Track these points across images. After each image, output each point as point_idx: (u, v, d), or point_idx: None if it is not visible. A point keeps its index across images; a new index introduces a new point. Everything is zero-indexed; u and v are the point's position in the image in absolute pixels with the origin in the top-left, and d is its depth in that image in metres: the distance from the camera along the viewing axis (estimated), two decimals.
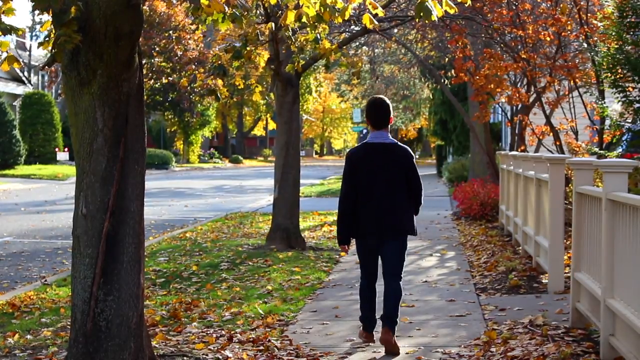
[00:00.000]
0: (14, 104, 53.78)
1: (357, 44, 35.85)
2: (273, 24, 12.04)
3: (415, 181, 8.25)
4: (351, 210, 8.27)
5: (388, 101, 8.47)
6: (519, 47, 19.19)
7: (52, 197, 30.70)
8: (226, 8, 7.15)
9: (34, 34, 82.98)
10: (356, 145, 9.04)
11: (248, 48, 12.60)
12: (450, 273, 12.69)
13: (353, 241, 8.47)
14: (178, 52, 57.84)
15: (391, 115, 8.41)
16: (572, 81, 17.70)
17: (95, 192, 6.89)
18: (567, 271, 10.76)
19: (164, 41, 58.42)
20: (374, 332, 8.40)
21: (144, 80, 7.29)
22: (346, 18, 7.69)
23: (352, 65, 13.43)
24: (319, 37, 10.53)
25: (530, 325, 8.78)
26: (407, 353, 7.95)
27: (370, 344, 8.35)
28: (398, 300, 8.22)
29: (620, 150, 15.38)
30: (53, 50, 6.47)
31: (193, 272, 12.77)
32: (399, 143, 8.46)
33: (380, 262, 8.37)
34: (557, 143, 17.63)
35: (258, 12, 13.11)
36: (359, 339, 8.49)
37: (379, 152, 8.22)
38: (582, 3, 17.01)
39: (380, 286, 8.35)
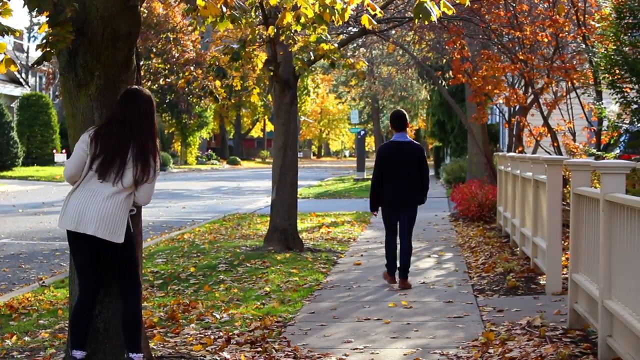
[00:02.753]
0: (11, 105, 53.75)
1: (355, 45, 35.86)
2: (274, 28, 12.04)
3: (424, 169, 11.77)
4: (379, 188, 11.72)
5: (405, 112, 12.12)
6: (517, 48, 19.20)
7: (49, 199, 30.66)
8: (224, 9, 7.14)
9: (31, 35, 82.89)
10: (384, 143, 12.86)
11: (247, 49, 12.60)
12: (448, 274, 12.69)
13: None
14: (175, 53, 57.83)
15: (408, 122, 11.98)
16: (569, 82, 17.72)
17: None
18: (564, 272, 10.76)
19: (161, 42, 58.39)
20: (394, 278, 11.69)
21: (142, 81, 7.28)
22: (346, 19, 7.68)
23: (352, 66, 13.44)
24: (322, 36, 10.54)
25: (528, 326, 8.78)
26: (404, 354, 7.95)
27: (392, 285, 11.55)
28: (410, 254, 11.64)
29: (618, 151, 15.41)
30: (45, 49, 6.47)
31: (191, 274, 12.76)
32: (414, 141, 11.98)
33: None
34: (555, 144, 17.65)
35: (256, 13, 13.12)
36: (384, 280, 11.83)
37: (400, 148, 11.69)
38: (579, 4, 17.02)
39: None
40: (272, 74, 14.70)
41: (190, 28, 52.39)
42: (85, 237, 6.65)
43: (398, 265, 11.62)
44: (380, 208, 11.91)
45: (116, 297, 6.94)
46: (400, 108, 63.52)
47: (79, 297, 6.84)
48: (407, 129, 12.01)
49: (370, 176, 12.32)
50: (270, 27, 12.15)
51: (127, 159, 6.65)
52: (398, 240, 11.74)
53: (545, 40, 18.24)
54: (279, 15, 8.49)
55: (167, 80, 58.46)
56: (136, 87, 6.89)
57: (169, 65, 58.41)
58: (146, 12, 54.86)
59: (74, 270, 7.01)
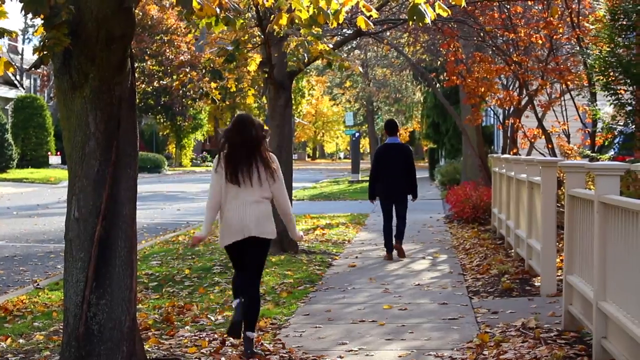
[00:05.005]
0: (5, 107, 53.70)
1: (349, 47, 35.86)
2: (272, 27, 12.03)
3: (412, 167, 14.65)
4: (375, 181, 14.71)
5: (396, 121, 15.36)
6: (511, 50, 19.21)
7: (44, 201, 30.65)
8: (218, 11, 7.14)
9: (26, 37, 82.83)
10: (379, 145, 16.03)
11: (241, 50, 12.58)
12: (443, 276, 12.70)
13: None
14: (170, 55, 57.84)
15: (399, 129, 15.20)
16: (564, 84, 17.73)
17: (87, 195, 6.89)
18: (559, 274, 10.77)
19: (155, 44, 58.42)
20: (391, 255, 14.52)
21: (136, 83, 7.27)
22: (340, 21, 7.68)
23: (346, 64, 13.45)
24: (316, 34, 10.53)
25: (523, 328, 8.79)
26: (399, 356, 7.95)
27: (389, 261, 14.29)
28: (403, 229, 14.78)
29: (613, 152, 15.40)
30: (42, 53, 6.47)
31: (185, 276, 12.76)
32: (403, 144, 15.18)
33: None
34: (549, 146, 17.66)
35: (250, 15, 13.12)
36: (384, 260, 14.45)
37: (392, 149, 14.64)
38: (573, 6, 17.04)
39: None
40: (266, 75, 14.70)
41: (184, 30, 52.41)
42: (238, 242, 8.20)
43: (394, 241, 14.64)
44: (378, 198, 14.86)
45: (110, 301, 6.94)
46: (395, 109, 63.55)
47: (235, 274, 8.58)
48: (398, 133, 15.10)
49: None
50: (269, 26, 12.16)
51: (258, 166, 8.20)
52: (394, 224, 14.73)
53: (540, 42, 18.26)
54: (273, 17, 8.48)
55: (161, 82, 58.48)
56: (241, 113, 8.76)
57: (163, 67, 58.47)
58: (140, 14, 54.87)
59: (69, 272, 7.01)
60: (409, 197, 14.86)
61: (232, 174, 8.19)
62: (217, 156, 8.38)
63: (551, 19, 17.03)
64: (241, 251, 8.32)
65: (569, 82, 17.54)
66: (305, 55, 12.90)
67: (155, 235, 19.11)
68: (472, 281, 12.13)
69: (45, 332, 9.16)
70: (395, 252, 14.73)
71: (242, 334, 8.07)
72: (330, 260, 14.43)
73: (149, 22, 58.60)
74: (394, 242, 14.68)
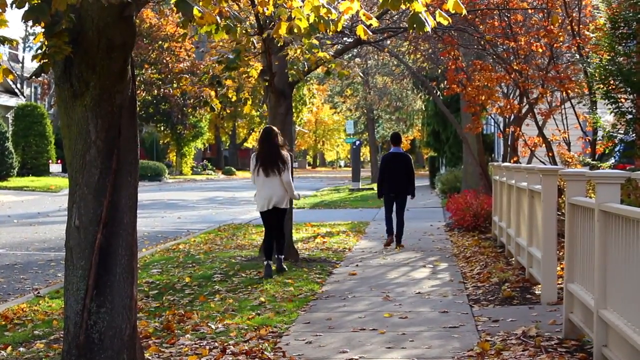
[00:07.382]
0: (6, 115, 53.73)
1: (350, 55, 35.85)
2: (271, 32, 12.03)
3: (411, 171, 17.67)
4: (382, 182, 17.77)
5: (401, 134, 18.22)
6: (512, 58, 19.22)
7: (44, 209, 30.65)
8: (219, 19, 7.15)
9: (27, 45, 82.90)
10: (385, 153, 19.91)
11: (242, 57, 12.59)
12: (443, 284, 12.69)
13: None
14: (170, 64, 57.84)
15: (402, 140, 18.47)
16: (564, 92, 17.73)
17: (88, 204, 6.90)
18: (560, 282, 10.76)
19: (155, 53, 58.43)
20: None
21: (136, 91, 7.28)
22: (339, 29, 7.68)
23: (345, 71, 13.43)
24: (315, 44, 10.53)
25: (524, 336, 8.78)
26: None
27: (389, 241, 17.53)
28: (402, 226, 17.62)
29: (613, 161, 15.42)
30: (42, 61, 6.47)
31: (186, 284, 12.76)
32: (405, 153, 18.15)
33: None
34: (550, 154, 17.66)
35: (250, 23, 13.12)
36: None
37: (396, 157, 17.68)
38: (574, 15, 17.06)
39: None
40: (267, 84, 14.70)
41: (181, 32, 52.50)
42: (269, 210, 13.50)
43: (394, 232, 17.46)
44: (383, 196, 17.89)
45: (110, 309, 6.94)
46: (396, 117, 63.63)
47: (265, 238, 13.82)
48: (401, 144, 18.13)
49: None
50: (272, 32, 12.17)
51: (277, 162, 13.39)
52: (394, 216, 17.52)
53: (540, 50, 18.27)
54: (272, 24, 8.48)
55: (161, 90, 58.52)
56: (267, 126, 14.13)
57: (163, 75, 58.50)
58: (138, 21, 54.88)
59: (70, 280, 7.02)
60: (408, 197, 17.68)
61: (265, 169, 13.34)
62: (253, 155, 13.76)
63: (551, 27, 17.05)
64: (269, 216, 13.56)
65: (569, 91, 17.54)
66: (305, 64, 12.91)
67: (155, 244, 19.10)
68: (472, 289, 12.13)
69: (46, 340, 9.16)
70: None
71: (275, 256, 13.58)
72: (330, 268, 14.42)
73: (147, 27, 58.56)
74: (394, 241, 17.43)
